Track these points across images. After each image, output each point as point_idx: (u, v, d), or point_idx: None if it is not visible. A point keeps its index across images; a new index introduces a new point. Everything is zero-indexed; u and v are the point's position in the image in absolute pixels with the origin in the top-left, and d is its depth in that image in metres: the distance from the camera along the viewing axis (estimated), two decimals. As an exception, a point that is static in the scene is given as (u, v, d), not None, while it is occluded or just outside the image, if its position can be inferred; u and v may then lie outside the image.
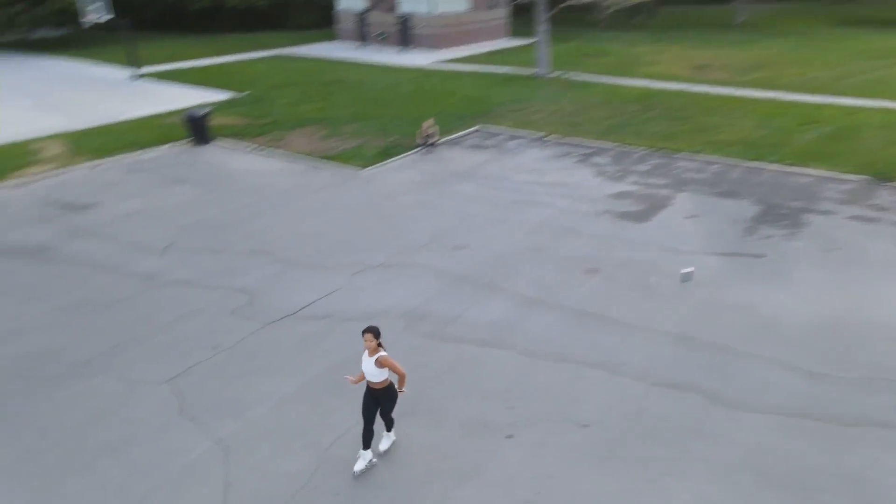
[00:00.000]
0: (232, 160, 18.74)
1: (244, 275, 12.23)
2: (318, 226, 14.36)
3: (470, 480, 7.53)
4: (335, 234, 13.92)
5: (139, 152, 19.06)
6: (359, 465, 7.64)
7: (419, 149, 19.46)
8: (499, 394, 8.95)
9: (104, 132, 20.54)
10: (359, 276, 12.22)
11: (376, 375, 7.36)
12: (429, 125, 19.65)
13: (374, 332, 7.26)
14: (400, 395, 7.67)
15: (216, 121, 20.85)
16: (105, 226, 14.24)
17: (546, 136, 20.43)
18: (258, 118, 22.74)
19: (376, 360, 7.26)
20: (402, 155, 18.97)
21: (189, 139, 20.07)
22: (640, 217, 14.42)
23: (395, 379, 7.63)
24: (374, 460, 7.76)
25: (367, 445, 7.65)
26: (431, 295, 11.48)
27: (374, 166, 18.01)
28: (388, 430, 7.97)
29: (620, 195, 15.65)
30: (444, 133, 20.24)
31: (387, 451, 7.93)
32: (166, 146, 19.69)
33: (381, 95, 26.27)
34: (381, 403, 7.59)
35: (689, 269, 11.33)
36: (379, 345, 7.33)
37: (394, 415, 7.91)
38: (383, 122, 21.98)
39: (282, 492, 7.38)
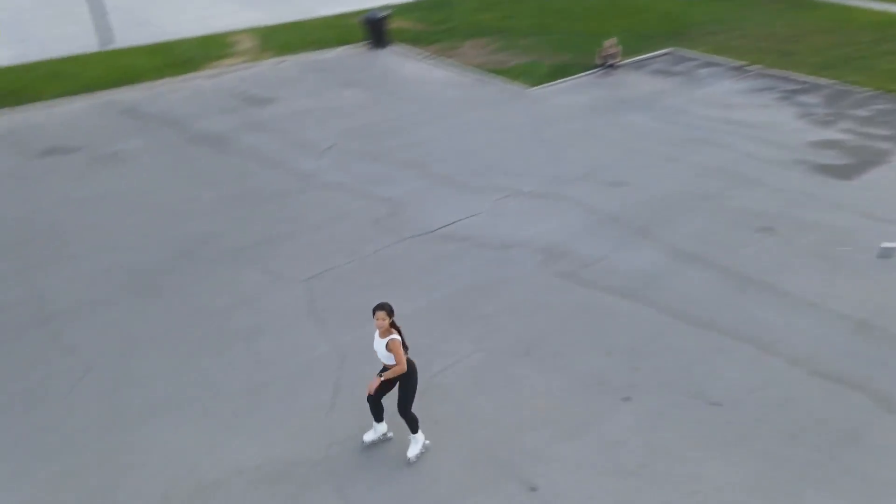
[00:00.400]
0: (404, 67, 18.67)
1: (393, 185, 12.28)
2: (474, 144, 13.94)
3: (575, 437, 7.09)
4: (489, 155, 13.44)
5: (319, 51, 19.61)
6: (368, 436, 6.99)
7: (597, 70, 18.00)
8: (625, 351, 8.25)
9: (292, 29, 21.33)
10: (505, 200, 11.75)
11: (389, 358, 6.41)
12: (610, 44, 18.02)
13: (386, 309, 6.31)
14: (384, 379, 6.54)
15: (395, 24, 20.75)
16: (278, 121, 14.96)
17: (747, 66, 17.90)
18: (436, 24, 22.31)
19: (387, 343, 6.34)
20: (577, 75, 17.68)
21: (366, 41, 20.25)
22: (844, 173, 12.27)
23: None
24: (390, 434, 7.01)
25: (379, 419, 6.92)
26: (576, 231, 10.76)
27: (543, 85, 16.99)
28: (413, 431, 6.78)
29: (825, 143, 13.38)
30: (627, 54, 18.49)
31: (418, 458, 6.78)
32: (345, 47, 20.05)
33: (567, 6, 24.52)
34: (398, 389, 6.63)
35: (892, 244, 9.50)
36: (392, 324, 6.38)
37: (417, 412, 6.77)
38: (563, 38, 20.56)
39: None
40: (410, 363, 6.54)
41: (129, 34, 20.39)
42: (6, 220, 11.12)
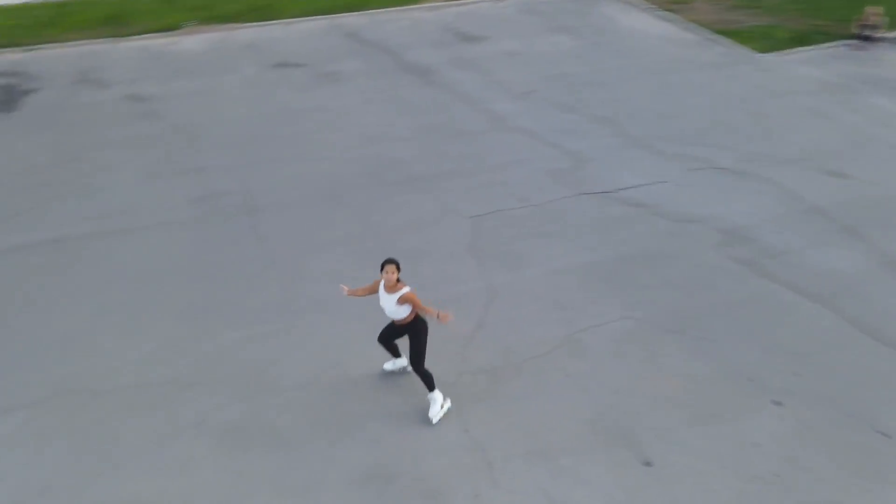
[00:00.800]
0: (624, 17, 17.78)
1: (582, 139, 12.01)
2: (679, 107, 13.07)
3: (707, 426, 6.71)
4: (692, 121, 12.55)
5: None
6: (388, 365, 7.32)
7: (851, 41, 15.73)
8: (789, 353, 7.52)
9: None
10: (696, 173, 10.99)
11: (398, 312, 6.37)
12: (874, 12, 15.59)
13: (395, 263, 6.25)
14: (445, 323, 6.31)
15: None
16: (484, 60, 15.18)
17: None
18: (672, -25, 20.76)
19: (399, 297, 6.28)
20: (823, 45, 15.62)
21: (592, -12, 19.48)
22: None
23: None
24: (409, 368, 7.05)
25: (396, 355, 7.18)
26: (769, 217, 9.81)
27: (777, 52, 15.27)
28: (430, 389, 6.69)
29: None
30: (894, 27, 15.89)
31: (440, 419, 6.72)
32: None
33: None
34: (410, 345, 6.61)
35: None
36: (398, 280, 6.30)
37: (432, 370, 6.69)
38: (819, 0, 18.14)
39: (520, 353, 7.61)
40: (422, 320, 6.54)
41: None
42: (234, 121, 12.71)
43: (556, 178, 10.93)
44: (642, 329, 7.95)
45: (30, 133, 12.18)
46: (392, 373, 7.37)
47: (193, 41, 16.14)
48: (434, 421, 6.73)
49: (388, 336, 6.89)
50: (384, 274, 6.28)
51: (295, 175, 11.05)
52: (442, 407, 6.81)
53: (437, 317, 6.27)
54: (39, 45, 15.57)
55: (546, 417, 6.81)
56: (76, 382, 7.22)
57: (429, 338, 6.64)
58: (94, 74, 14.33)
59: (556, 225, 9.86)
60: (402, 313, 6.41)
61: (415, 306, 6.40)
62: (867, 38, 15.68)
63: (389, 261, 6.29)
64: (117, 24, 16.66)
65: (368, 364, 7.42)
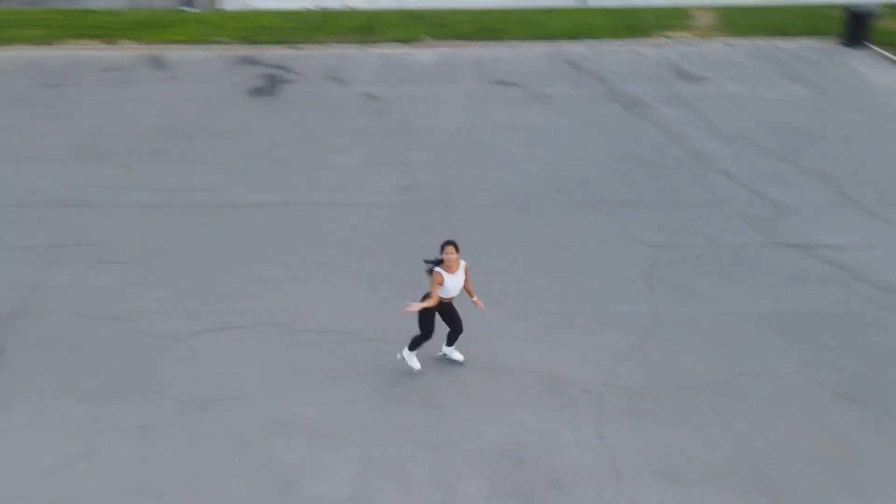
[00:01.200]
0: (873, 71, 16.38)
1: (789, 190, 11.45)
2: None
3: (864, 498, 6.22)
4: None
5: (776, 39, 18.42)
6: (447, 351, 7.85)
7: None
8: None
9: (755, 12, 20.32)
10: (917, 242, 9.99)
11: (457, 289, 7.15)
12: None
13: (455, 244, 6.93)
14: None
15: (883, 24, 18.10)
16: (698, 99, 14.95)
17: None
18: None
19: (465, 270, 7.14)
20: None
21: (839, 37, 18.20)
22: None
23: None
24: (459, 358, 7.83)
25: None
26: None
27: None
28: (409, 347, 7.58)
29: None
30: None
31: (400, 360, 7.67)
32: (808, 40, 18.40)
33: None
34: (452, 315, 7.39)
35: None
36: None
37: None
38: None
39: (671, 380, 7.61)
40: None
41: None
42: (446, 126, 13.88)
43: (750, 224, 10.57)
44: (813, 388, 7.53)
45: (282, 115, 14.41)
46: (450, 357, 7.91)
47: (427, 53, 17.85)
48: (398, 356, 7.62)
49: (450, 320, 7.42)
50: (447, 255, 6.89)
51: (491, 180, 11.89)
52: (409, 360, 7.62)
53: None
54: (303, 45, 18.27)
55: (685, 444, 6.79)
56: (279, 317, 8.60)
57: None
58: (340, 73, 16.50)
59: (740, 269, 9.58)
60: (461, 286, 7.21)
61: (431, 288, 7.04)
62: None
63: (450, 241, 6.96)
64: (367, 33, 18.96)
65: (526, 356, 7.91)
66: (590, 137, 13.43)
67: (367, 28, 19.27)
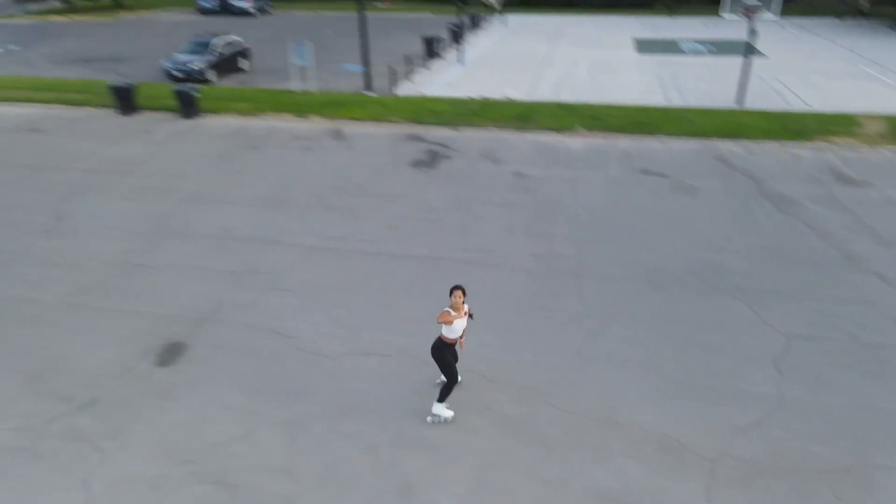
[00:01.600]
0: None
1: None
2: None
3: None
4: None
5: (953, 152, 17.50)
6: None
7: None
8: None
9: (933, 124, 19.48)
10: None
11: (460, 330, 7.79)
12: None
13: (462, 288, 7.59)
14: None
15: None
16: (857, 203, 14.54)
17: None
18: None
19: (467, 313, 7.79)
20: None
21: None
22: None
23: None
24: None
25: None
26: None
27: None
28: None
29: None
30: None
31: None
32: None
33: None
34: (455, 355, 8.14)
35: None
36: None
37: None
38: None
39: (791, 463, 7.47)
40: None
41: (760, 99, 22.44)
42: (588, 205, 14.61)
43: (857, 344, 10.11)
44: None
45: (439, 185, 15.95)
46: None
47: (578, 142, 18.93)
48: (428, 419, 8.21)
49: (455, 357, 8.13)
50: (456, 299, 7.56)
51: (626, 257, 12.35)
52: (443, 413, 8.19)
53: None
54: (464, 127, 20.12)
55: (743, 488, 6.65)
56: (416, 352, 9.52)
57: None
58: (495, 153, 17.96)
59: (881, 367, 9.20)
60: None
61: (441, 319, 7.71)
62: None
63: (458, 286, 7.64)
64: (523, 121, 20.50)
65: (641, 416, 8.16)
66: (733, 230, 13.52)
67: (523, 116, 20.85)
